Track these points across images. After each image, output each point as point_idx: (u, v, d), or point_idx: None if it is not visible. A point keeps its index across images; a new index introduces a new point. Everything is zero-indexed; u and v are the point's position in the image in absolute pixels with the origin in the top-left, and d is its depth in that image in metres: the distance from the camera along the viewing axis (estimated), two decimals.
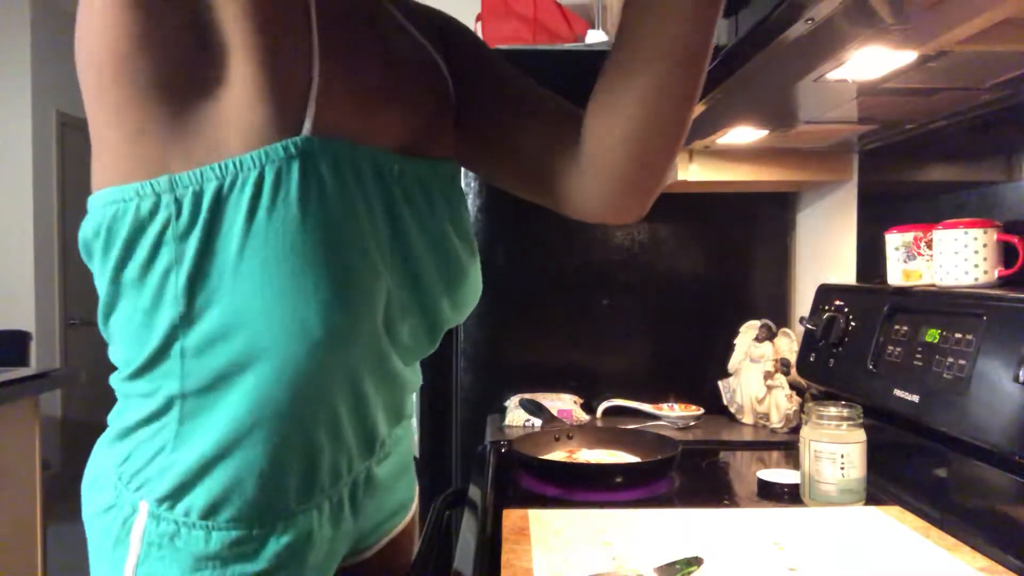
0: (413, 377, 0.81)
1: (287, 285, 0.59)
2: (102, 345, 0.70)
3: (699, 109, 1.21)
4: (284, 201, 0.59)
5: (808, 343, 1.40)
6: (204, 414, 0.65)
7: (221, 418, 0.64)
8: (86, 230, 0.65)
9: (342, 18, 0.66)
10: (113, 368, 0.70)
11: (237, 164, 0.59)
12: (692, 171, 1.55)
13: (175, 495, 0.65)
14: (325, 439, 0.69)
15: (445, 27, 0.83)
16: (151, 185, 0.60)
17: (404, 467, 0.88)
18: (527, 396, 1.63)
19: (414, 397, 0.90)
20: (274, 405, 0.64)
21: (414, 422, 2.05)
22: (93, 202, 0.64)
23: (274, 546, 0.68)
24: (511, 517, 1.01)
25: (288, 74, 0.60)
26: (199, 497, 0.65)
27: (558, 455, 1.33)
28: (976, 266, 1.07)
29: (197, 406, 0.64)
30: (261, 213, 0.58)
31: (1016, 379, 0.88)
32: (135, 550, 0.66)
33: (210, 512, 0.65)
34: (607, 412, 1.72)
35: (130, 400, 0.68)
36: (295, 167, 0.59)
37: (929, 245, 1.17)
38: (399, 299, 0.70)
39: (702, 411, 1.68)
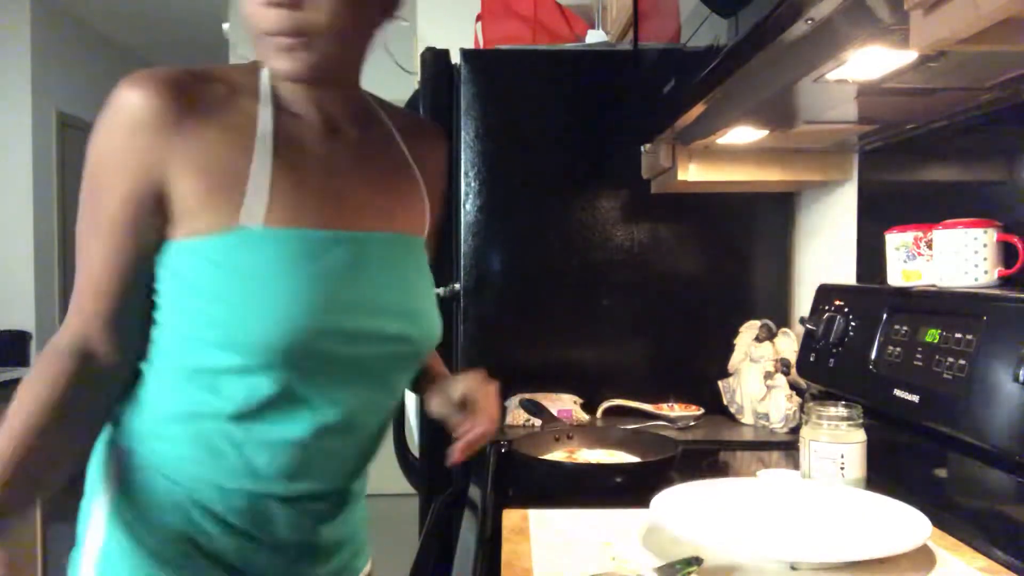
0: None
1: None
2: None
3: (699, 109, 1.21)
4: None
5: (808, 343, 1.40)
6: None
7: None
8: None
9: (292, 146, 0.88)
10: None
11: None
12: (692, 171, 1.54)
13: None
14: None
15: (432, 159, 1.04)
16: None
17: None
18: (527, 396, 1.63)
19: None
20: None
21: (413, 422, 2.05)
22: None
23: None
24: (511, 517, 1.01)
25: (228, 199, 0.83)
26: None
27: (558, 455, 1.33)
28: (976, 266, 1.07)
29: None
30: None
31: (1016, 379, 0.87)
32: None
33: None
34: (607, 412, 1.72)
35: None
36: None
37: (929, 245, 1.16)
38: None
39: (702, 411, 1.68)
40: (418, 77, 1.99)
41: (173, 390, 0.87)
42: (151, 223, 0.83)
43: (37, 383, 0.82)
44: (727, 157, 1.54)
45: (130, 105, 0.81)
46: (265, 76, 0.88)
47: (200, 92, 0.84)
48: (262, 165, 0.84)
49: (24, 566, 0.79)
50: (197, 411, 0.86)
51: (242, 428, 0.85)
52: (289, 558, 0.92)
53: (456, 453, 1.00)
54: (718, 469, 1.40)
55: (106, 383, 0.87)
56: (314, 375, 0.85)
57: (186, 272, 0.83)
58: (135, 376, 0.89)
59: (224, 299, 0.81)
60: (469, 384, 1.04)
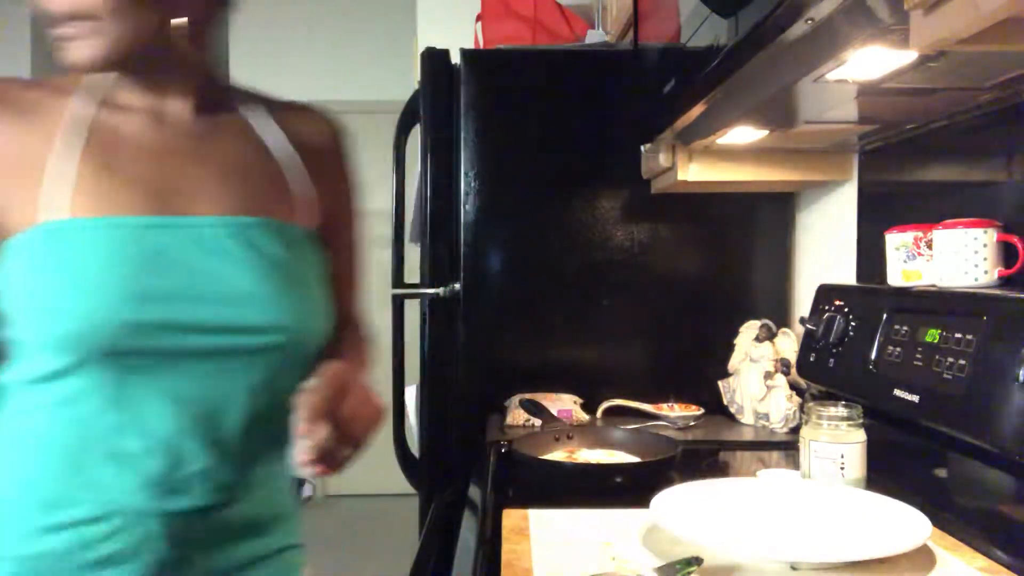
0: None
1: None
2: None
3: (699, 109, 1.21)
4: None
5: (808, 343, 1.40)
6: None
7: None
8: None
9: (108, 144, 0.86)
10: None
11: None
12: (692, 171, 1.54)
13: None
14: None
15: (317, 149, 0.99)
16: None
17: None
18: (527, 396, 1.63)
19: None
20: None
21: (413, 421, 2.05)
22: None
23: None
24: (511, 517, 1.01)
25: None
26: None
27: (558, 455, 1.33)
28: (976, 266, 1.07)
29: None
30: None
31: (1016, 379, 0.88)
32: None
33: None
34: (607, 412, 1.72)
35: None
36: None
37: (929, 245, 1.17)
38: None
39: (702, 411, 1.68)
40: (417, 77, 1.99)
41: (18, 404, 0.84)
42: None
43: None
44: (727, 157, 1.54)
45: None
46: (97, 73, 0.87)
47: (13, 98, 0.85)
48: (66, 158, 0.82)
49: None
50: (41, 424, 0.83)
51: (86, 438, 0.82)
52: None
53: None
54: (718, 469, 1.40)
55: None
56: (144, 373, 0.81)
57: (7, 274, 0.81)
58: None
59: (35, 296, 0.79)
60: (318, 377, 0.85)
